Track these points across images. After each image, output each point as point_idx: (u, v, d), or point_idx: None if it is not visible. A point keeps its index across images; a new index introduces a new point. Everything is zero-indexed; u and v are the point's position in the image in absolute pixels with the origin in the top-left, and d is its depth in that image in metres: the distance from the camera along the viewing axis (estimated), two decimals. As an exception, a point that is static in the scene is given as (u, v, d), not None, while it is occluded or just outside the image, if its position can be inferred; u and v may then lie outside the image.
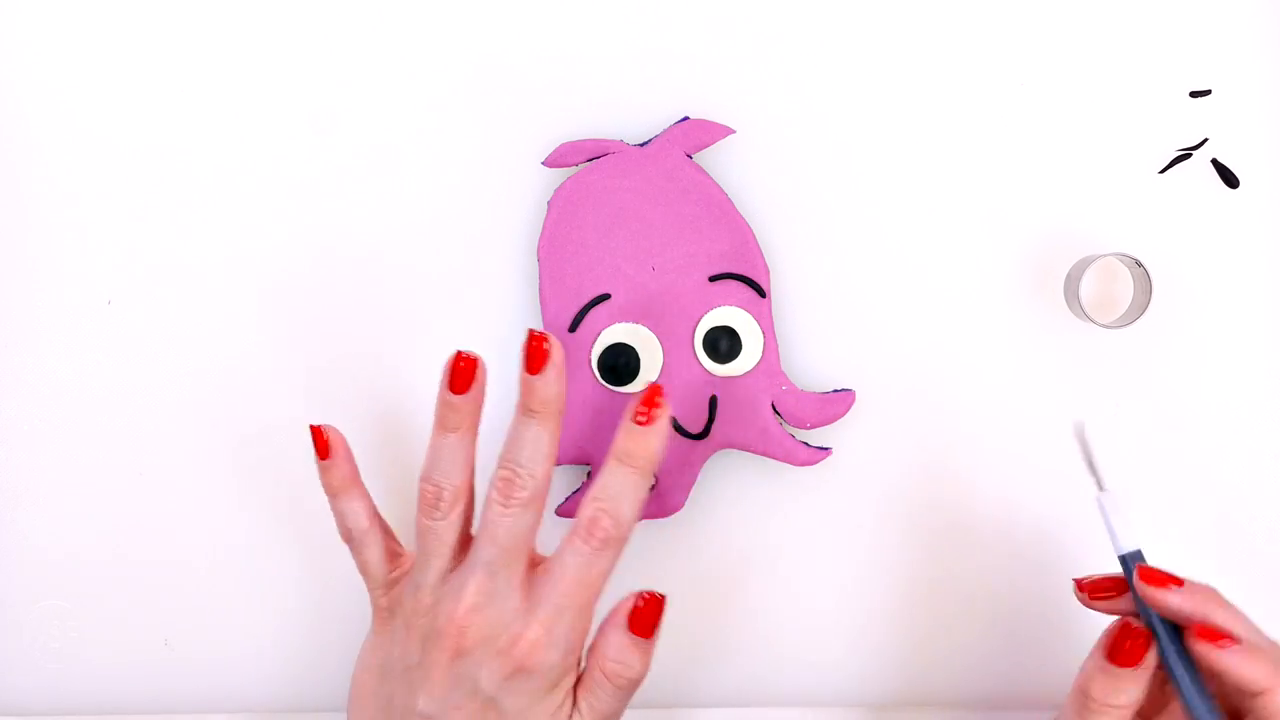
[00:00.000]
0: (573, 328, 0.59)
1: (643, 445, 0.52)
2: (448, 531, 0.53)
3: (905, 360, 0.60)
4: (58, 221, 0.61)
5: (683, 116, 0.59)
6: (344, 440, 0.56)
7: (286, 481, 0.61)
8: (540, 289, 0.59)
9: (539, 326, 0.60)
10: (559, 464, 0.59)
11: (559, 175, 0.60)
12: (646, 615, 0.53)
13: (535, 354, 0.52)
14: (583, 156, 0.59)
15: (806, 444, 0.59)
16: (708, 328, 0.59)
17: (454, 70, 0.61)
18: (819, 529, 0.61)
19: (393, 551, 0.56)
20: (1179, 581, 0.50)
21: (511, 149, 0.60)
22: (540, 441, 0.52)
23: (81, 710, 0.61)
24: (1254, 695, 0.48)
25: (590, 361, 0.59)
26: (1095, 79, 0.60)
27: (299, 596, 0.61)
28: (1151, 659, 0.49)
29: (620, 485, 0.51)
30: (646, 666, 0.53)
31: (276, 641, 0.61)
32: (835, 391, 0.59)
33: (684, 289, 0.59)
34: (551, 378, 0.52)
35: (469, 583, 0.52)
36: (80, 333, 0.61)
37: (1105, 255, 0.58)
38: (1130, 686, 0.49)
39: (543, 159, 0.60)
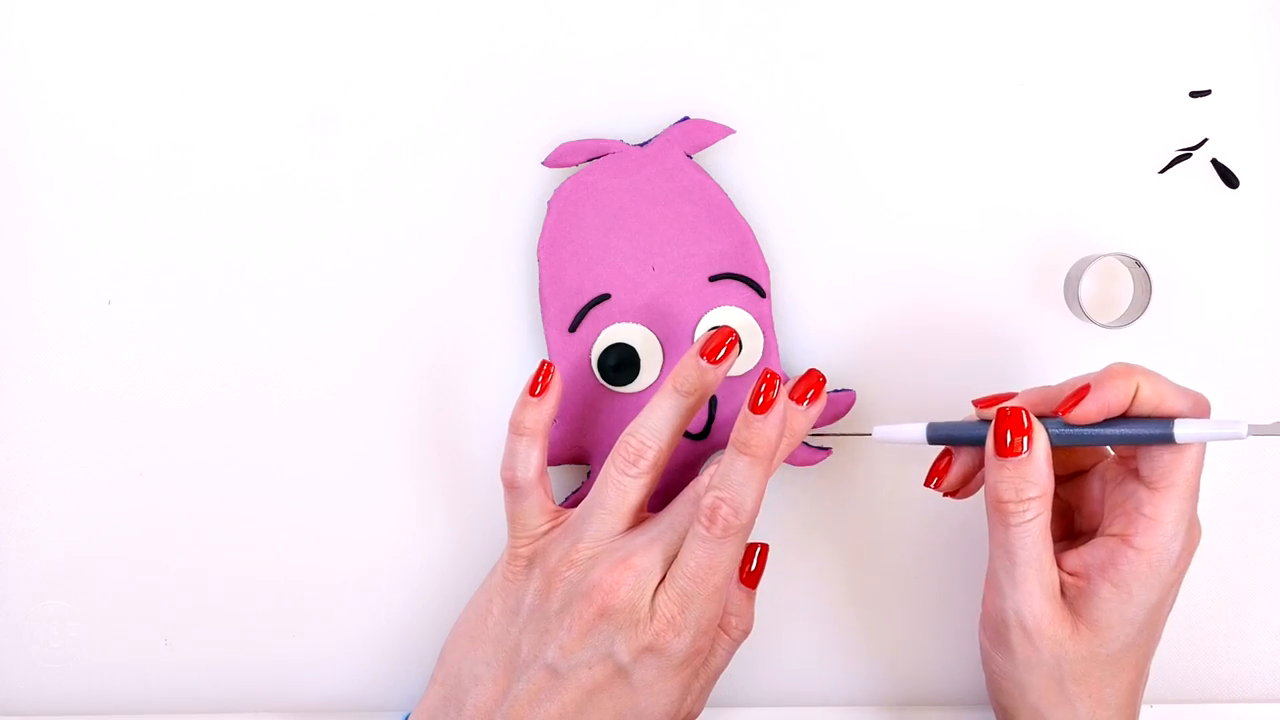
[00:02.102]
0: (573, 328, 0.59)
1: (759, 433, 0.51)
2: (634, 492, 0.53)
3: (905, 360, 0.60)
4: (58, 222, 0.61)
5: (683, 116, 0.59)
6: (560, 390, 0.56)
7: (286, 481, 0.61)
8: (540, 289, 0.59)
9: (539, 326, 0.60)
10: (559, 464, 0.59)
11: (559, 175, 0.60)
12: (758, 569, 0.56)
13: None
14: (583, 156, 0.59)
15: (806, 444, 0.59)
16: (708, 327, 0.59)
17: (454, 70, 0.61)
18: (819, 529, 0.61)
19: (549, 506, 0.55)
20: (1008, 395, 0.53)
21: (511, 149, 0.60)
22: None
23: (81, 710, 0.61)
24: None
25: (590, 361, 0.59)
26: (1095, 79, 0.60)
27: (299, 596, 0.61)
28: (1040, 439, 0.51)
29: (740, 475, 0.51)
30: (754, 617, 0.56)
31: (276, 641, 0.61)
32: (835, 391, 0.59)
33: (684, 289, 0.59)
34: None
35: (637, 552, 0.52)
36: (80, 333, 0.61)
37: (1105, 255, 0.58)
38: (1036, 472, 0.51)
39: (543, 159, 0.60)
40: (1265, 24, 0.60)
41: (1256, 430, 0.49)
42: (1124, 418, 0.51)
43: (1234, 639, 0.60)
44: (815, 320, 0.60)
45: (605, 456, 0.58)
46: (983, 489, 0.53)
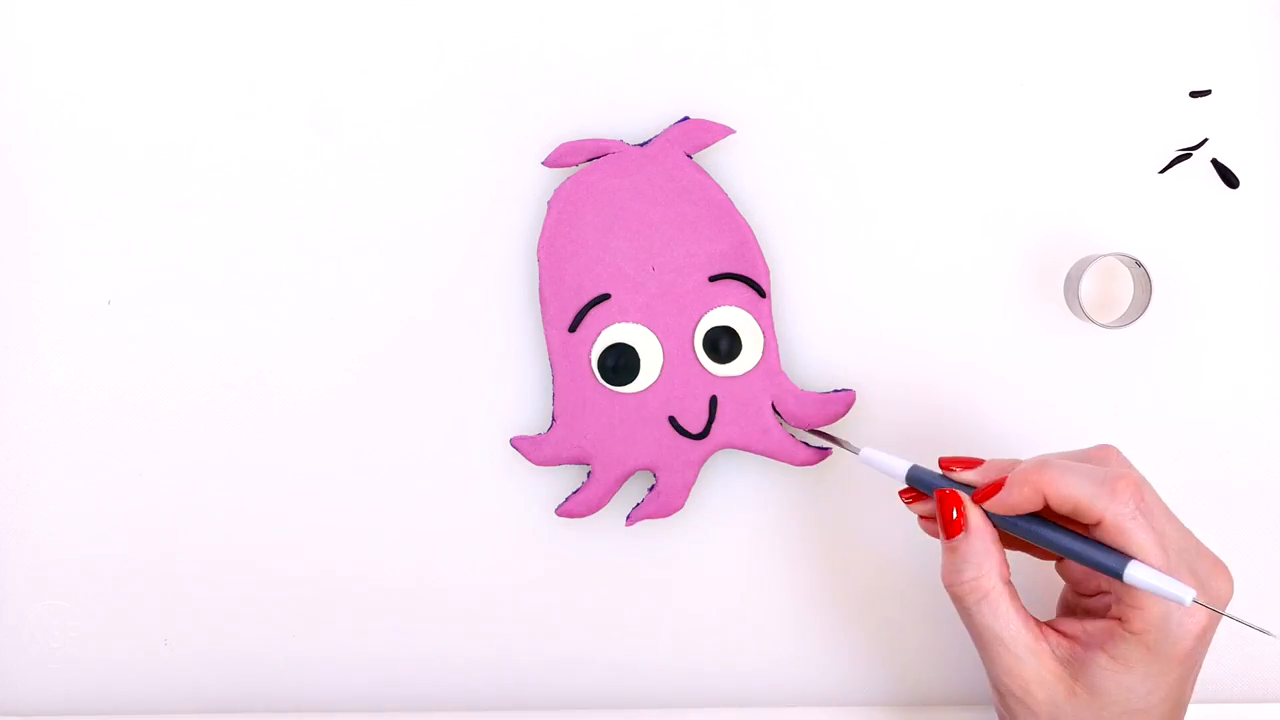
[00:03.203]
0: (573, 328, 0.59)
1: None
2: None
3: (905, 360, 0.60)
4: (58, 221, 0.61)
5: (683, 116, 0.59)
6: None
7: (286, 480, 0.61)
8: (540, 289, 0.59)
9: (539, 326, 0.60)
10: (559, 464, 0.59)
11: (559, 175, 0.60)
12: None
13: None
14: (583, 156, 0.59)
15: (806, 444, 0.59)
16: (708, 328, 0.59)
17: (454, 70, 0.61)
18: (819, 529, 0.61)
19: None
20: (977, 461, 0.52)
21: (511, 149, 0.60)
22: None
23: (81, 710, 0.61)
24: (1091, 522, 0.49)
25: (590, 361, 0.59)
26: (1095, 79, 0.60)
27: (298, 596, 0.61)
28: (976, 517, 0.51)
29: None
30: None
31: (276, 641, 0.61)
32: (835, 391, 0.59)
33: (684, 289, 0.59)
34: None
35: None
36: (80, 333, 0.61)
37: (1105, 255, 0.58)
38: (972, 554, 0.50)
39: (543, 159, 0.60)
40: (1265, 24, 0.60)
41: (1199, 601, 0.47)
42: (1065, 525, 0.50)
43: (1234, 639, 0.60)
44: (815, 320, 0.60)
45: (605, 456, 0.58)
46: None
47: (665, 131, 0.59)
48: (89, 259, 0.61)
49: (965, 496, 0.51)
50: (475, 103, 0.60)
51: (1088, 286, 0.60)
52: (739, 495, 0.60)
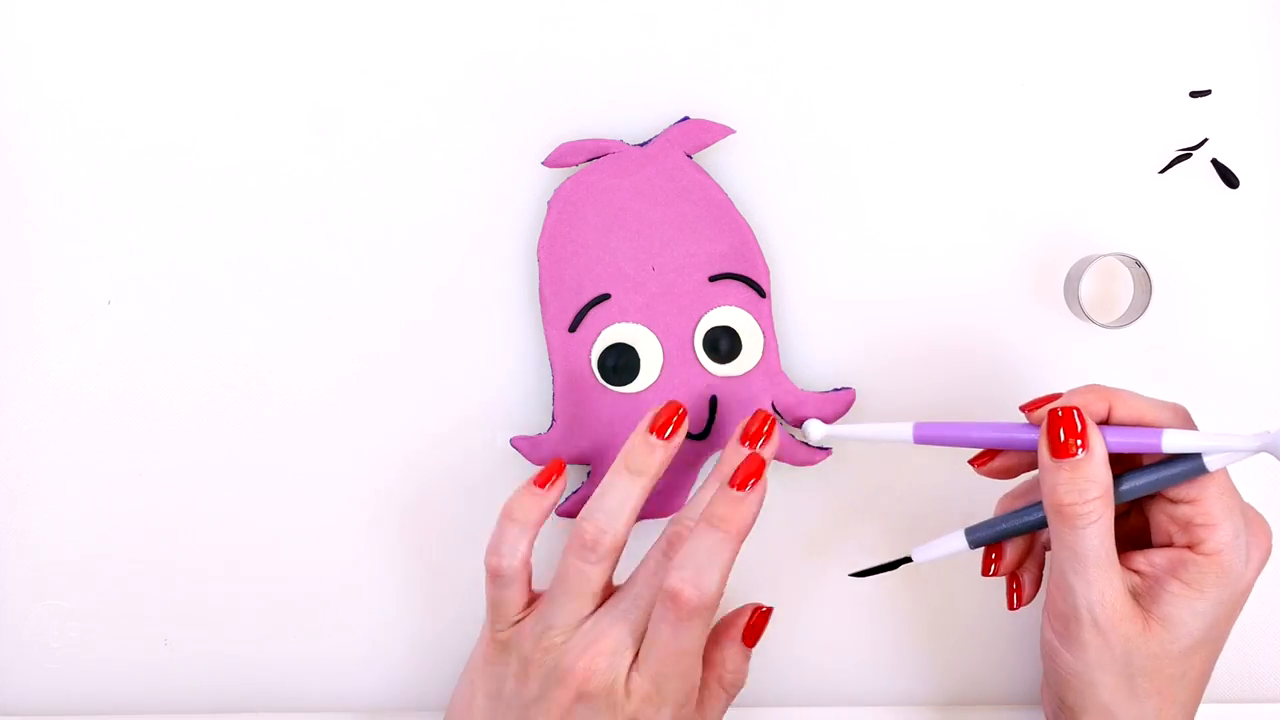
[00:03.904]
0: (573, 328, 0.59)
1: (738, 512, 0.51)
2: (597, 578, 0.53)
3: (905, 360, 0.60)
4: (58, 221, 0.61)
5: (683, 116, 0.59)
6: (563, 488, 0.55)
7: (286, 480, 0.61)
8: (540, 289, 0.59)
9: (539, 326, 0.60)
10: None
11: (559, 175, 0.60)
12: (758, 628, 0.55)
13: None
14: (583, 156, 0.59)
15: (806, 444, 0.59)
16: (708, 328, 0.59)
17: (454, 70, 0.61)
18: (819, 529, 0.61)
19: (528, 595, 0.55)
20: (1055, 395, 0.53)
21: (511, 149, 0.60)
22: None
23: (81, 710, 0.61)
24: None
25: (590, 361, 0.59)
26: (1095, 79, 0.60)
27: (298, 596, 0.61)
28: (1096, 438, 0.51)
29: (707, 553, 0.51)
30: (748, 671, 0.55)
31: (276, 641, 0.61)
32: (835, 391, 0.59)
33: (684, 289, 0.59)
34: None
35: (605, 634, 0.52)
36: (80, 333, 0.61)
37: (1105, 255, 0.58)
38: (1095, 473, 0.50)
39: (543, 159, 0.60)
40: (1265, 24, 0.60)
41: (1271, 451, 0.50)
42: (1135, 463, 0.52)
43: (1234, 640, 0.60)
44: (815, 320, 0.60)
45: (604, 457, 0.58)
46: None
47: (665, 131, 0.59)
48: (89, 259, 0.61)
49: (1083, 413, 0.51)
50: (475, 103, 0.60)
51: (1088, 286, 0.60)
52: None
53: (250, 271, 0.61)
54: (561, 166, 0.59)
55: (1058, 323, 0.60)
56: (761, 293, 0.59)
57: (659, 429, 0.54)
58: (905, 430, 0.55)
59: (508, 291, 0.60)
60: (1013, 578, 0.56)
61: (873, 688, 0.61)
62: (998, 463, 0.55)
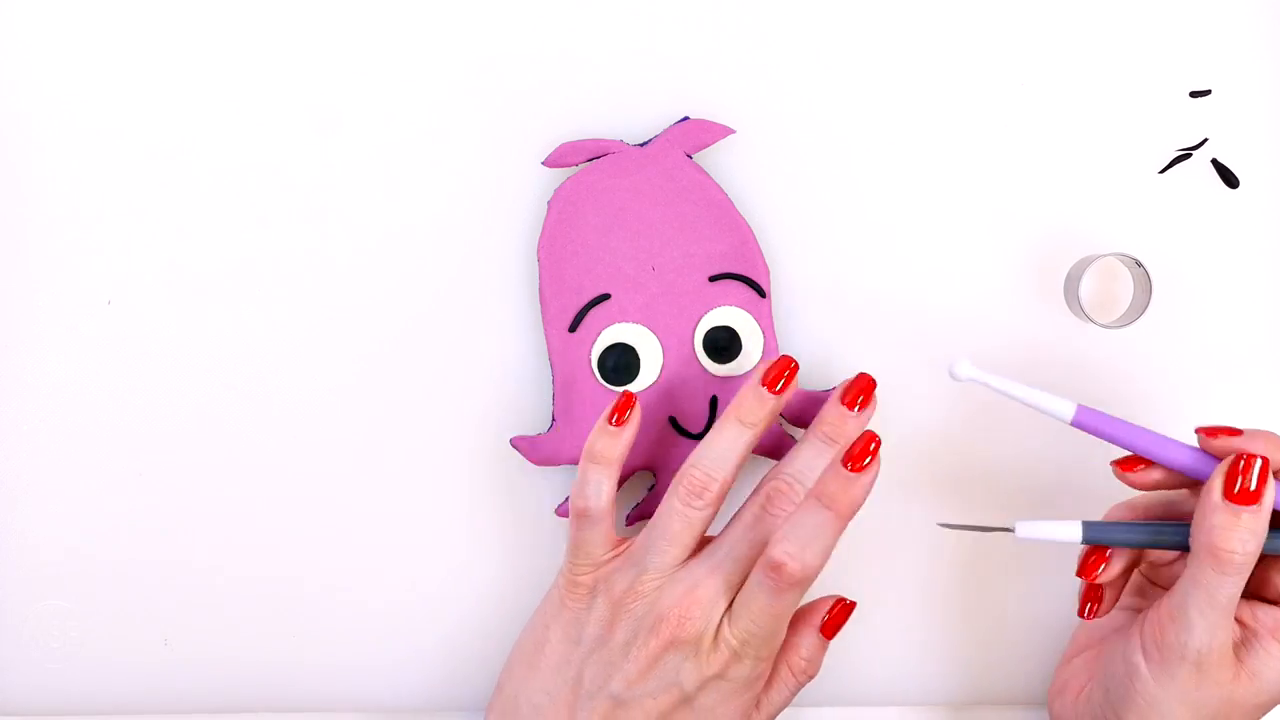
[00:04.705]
0: (573, 328, 0.59)
1: (849, 492, 0.51)
2: (699, 524, 0.53)
3: (905, 360, 0.60)
4: (58, 221, 0.61)
5: (683, 116, 0.59)
6: (639, 421, 0.55)
7: (286, 481, 0.61)
8: (540, 289, 0.59)
9: (539, 326, 0.60)
10: (559, 464, 0.59)
11: (559, 175, 0.60)
12: (839, 620, 0.56)
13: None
14: (583, 156, 0.59)
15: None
16: (708, 328, 0.59)
17: (454, 70, 0.61)
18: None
19: (613, 536, 0.55)
20: (1237, 431, 0.51)
21: (511, 149, 0.60)
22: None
23: (81, 710, 0.61)
24: None
25: (590, 361, 0.59)
26: (1095, 79, 0.60)
27: (299, 596, 0.61)
28: (1270, 495, 0.50)
29: (814, 529, 0.51)
30: (822, 662, 0.56)
31: (277, 641, 0.61)
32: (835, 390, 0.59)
33: (684, 289, 0.59)
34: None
35: (701, 583, 0.52)
36: (80, 333, 0.61)
37: (1105, 255, 0.58)
38: (1260, 528, 0.49)
39: (543, 159, 0.60)
40: (1265, 24, 0.60)
41: None
42: None
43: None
44: (815, 320, 0.60)
45: (605, 456, 0.58)
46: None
47: (665, 131, 0.59)
48: (89, 259, 0.61)
49: (1268, 465, 0.50)
50: (475, 103, 0.60)
51: (1088, 286, 0.60)
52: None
53: (250, 271, 0.61)
54: (561, 166, 0.59)
55: (1058, 323, 0.60)
56: (761, 293, 0.59)
57: (770, 382, 0.54)
58: (1066, 408, 0.53)
59: (508, 291, 0.60)
60: (1098, 588, 0.54)
61: (883, 687, 0.61)
62: (1153, 475, 0.53)
